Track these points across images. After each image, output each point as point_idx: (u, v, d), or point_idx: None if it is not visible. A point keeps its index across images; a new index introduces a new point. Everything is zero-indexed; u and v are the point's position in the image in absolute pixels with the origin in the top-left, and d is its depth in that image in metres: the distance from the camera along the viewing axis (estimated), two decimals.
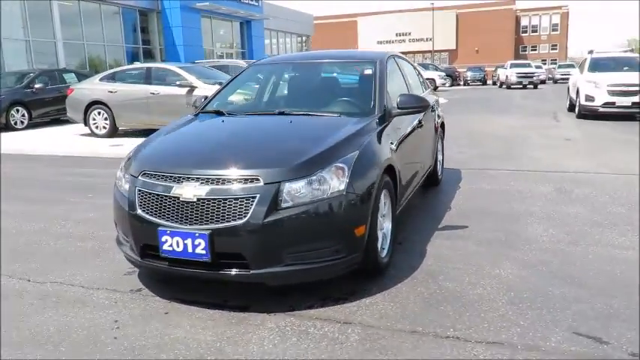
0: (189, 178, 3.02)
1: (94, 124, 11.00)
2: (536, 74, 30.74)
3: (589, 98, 12.79)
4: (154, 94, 10.43)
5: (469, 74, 44.43)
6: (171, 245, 2.97)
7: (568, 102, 15.30)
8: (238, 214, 2.90)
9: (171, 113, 10.19)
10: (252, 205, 2.90)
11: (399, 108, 3.96)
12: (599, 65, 13.82)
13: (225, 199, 2.92)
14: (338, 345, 2.66)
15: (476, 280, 3.41)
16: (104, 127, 10.95)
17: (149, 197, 3.10)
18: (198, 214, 2.94)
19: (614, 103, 12.45)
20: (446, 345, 2.64)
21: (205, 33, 25.25)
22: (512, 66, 32.09)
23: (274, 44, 34.72)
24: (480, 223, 4.62)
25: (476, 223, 4.60)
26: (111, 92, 10.78)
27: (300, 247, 2.96)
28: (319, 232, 2.99)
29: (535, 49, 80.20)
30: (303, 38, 38.73)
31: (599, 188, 5.79)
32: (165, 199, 3.03)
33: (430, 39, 70.61)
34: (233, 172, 3.00)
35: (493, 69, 49.35)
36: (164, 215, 3.02)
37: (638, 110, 12.33)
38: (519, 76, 30.03)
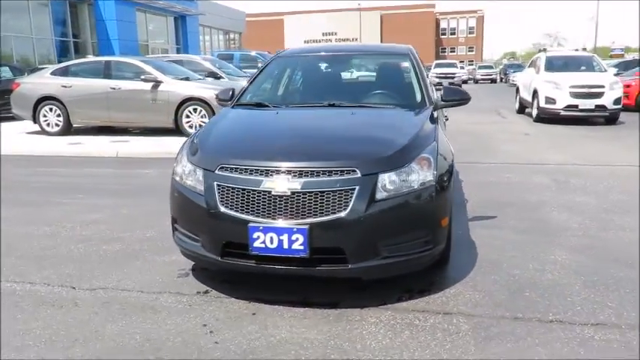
0: (278, 171, 2.88)
1: (45, 121, 10.22)
2: (457, 75, 31.46)
3: (550, 100, 11.81)
4: (114, 89, 9.85)
5: None
6: (263, 242, 2.82)
7: (518, 103, 14.47)
8: (338, 207, 2.81)
9: (135, 110, 9.74)
10: (351, 197, 2.81)
11: (443, 100, 3.99)
12: (554, 64, 12.96)
13: (323, 192, 2.82)
14: (454, 335, 2.64)
15: (540, 267, 3.51)
16: (57, 125, 10.19)
17: (233, 192, 2.92)
18: (293, 208, 2.81)
19: (576, 106, 11.56)
20: (555, 329, 2.70)
21: (140, 27, 24.18)
22: (437, 66, 32.61)
23: (207, 41, 33.90)
24: (504, 213, 4.77)
25: (501, 214, 4.74)
26: (65, 87, 10.05)
27: (395, 240, 2.91)
28: (412, 224, 2.96)
29: (454, 51, 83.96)
30: (233, 35, 38.10)
31: (590, 179, 6.16)
32: (254, 194, 2.87)
33: (356, 39, 71.98)
34: (328, 163, 2.89)
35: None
36: (253, 211, 2.86)
37: (601, 114, 11.73)
38: (439, 76, 29.37)
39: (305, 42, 72.53)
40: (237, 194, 2.91)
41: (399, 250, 2.92)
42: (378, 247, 2.87)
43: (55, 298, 3.15)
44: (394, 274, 3.05)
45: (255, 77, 4.43)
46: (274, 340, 2.64)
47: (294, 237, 2.78)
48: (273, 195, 2.83)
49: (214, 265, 3.08)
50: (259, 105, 4.03)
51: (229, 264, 3.00)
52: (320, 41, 73.52)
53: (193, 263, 3.59)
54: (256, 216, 2.85)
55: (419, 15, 77.12)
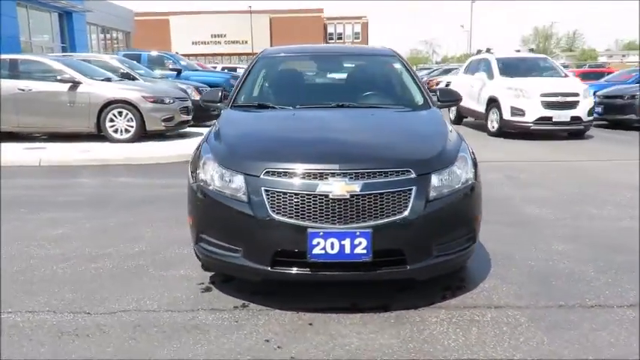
0: (334, 173, 2.77)
1: None
2: None
3: (517, 112, 9.91)
4: (23, 90, 8.86)
5: None
6: (323, 248, 2.70)
7: (454, 113, 12.72)
8: (397, 209, 2.77)
9: (50, 114, 8.89)
10: (409, 198, 2.79)
11: (439, 101, 4.10)
12: (510, 68, 11.02)
13: (382, 194, 2.76)
14: (520, 328, 2.72)
15: (547, 256, 3.73)
16: None
17: (285, 198, 2.76)
18: (353, 211, 2.72)
19: (550, 119, 9.77)
20: (601, 313, 2.88)
21: (21, 23, 21.92)
22: None
23: (94, 40, 31.66)
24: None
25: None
26: None
27: (445, 238, 2.93)
28: (458, 222, 3.01)
29: None
30: (116, 34, 35.94)
31: (536, 173, 6.69)
32: (309, 199, 2.74)
33: (246, 41, 71.51)
34: (384, 165, 2.84)
35: None
36: (310, 216, 2.73)
37: (576, 127, 9.98)
38: None
39: (193, 43, 70.61)
40: (290, 199, 2.75)
41: (447, 248, 2.95)
42: (431, 247, 2.88)
43: (73, 327, 2.76)
44: (443, 272, 3.07)
45: (245, 77, 4.21)
46: (351, 348, 2.54)
47: (356, 241, 2.69)
48: (331, 199, 2.72)
49: (261, 275, 2.88)
50: (261, 106, 3.84)
51: (280, 274, 2.82)
52: (209, 43, 72.06)
53: (210, 275, 3.36)
54: (314, 221, 2.72)
55: (308, 19, 78.38)
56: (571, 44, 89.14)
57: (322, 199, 2.73)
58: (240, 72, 19.58)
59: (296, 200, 2.74)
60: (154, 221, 4.63)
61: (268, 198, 2.77)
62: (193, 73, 14.94)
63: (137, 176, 6.61)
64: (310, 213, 2.73)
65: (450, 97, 4.14)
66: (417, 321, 2.80)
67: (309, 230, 2.69)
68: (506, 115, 10.18)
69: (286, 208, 2.75)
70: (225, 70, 21.23)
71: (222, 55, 69.75)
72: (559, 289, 3.19)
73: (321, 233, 2.68)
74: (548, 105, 9.80)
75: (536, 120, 9.85)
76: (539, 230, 4.35)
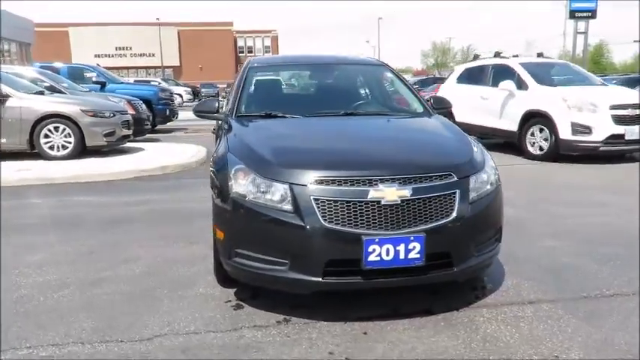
0: (383, 179, 2.77)
1: None
2: None
3: (581, 129, 7.91)
4: None
5: (203, 91, 47.46)
6: (379, 255, 2.68)
7: None
8: (445, 212, 2.82)
9: None
10: (455, 200, 2.85)
11: (434, 108, 4.24)
12: (541, 76, 9.03)
13: (431, 198, 2.80)
14: (565, 319, 2.86)
15: (546, 252, 3.96)
16: None
17: (336, 206, 2.71)
18: (405, 216, 2.74)
19: (622, 136, 7.83)
20: (625, 301, 3.09)
21: None
22: None
23: None
24: None
25: None
26: None
27: (482, 239, 3.02)
28: (491, 223, 3.11)
29: None
30: (12, 46, 33.42)
31: None
32: (361, 205, 2.71)
33: (153, 54, 69.43)
34: (428, 169, 2.88)
35: (225, 85, 52.12)
36: (363, 223, 2.70)
37: None
38: None
39: (96, 56, 67.12)
40: (341, 207, 2.71)
41: (483, 248, 3.04)
42: (472, 248, 2.96)
43: (114, 357, 2.53)
44: (478, 273, 3.16)
45: (242, 87, 4.09)
46: (419, 353, 2.54)
47: (410, 246, 2.71)
48: (383, 205, 2.72)
49: (311, 288, 2.80)
50: (269, 116, 3.75)
51: (332, 284, 2.77)
52: (114, 56, 68.97)
53: (234, 292, 3.22)
54: (367, 228, 2.70)
55: (217, 33, 77.55)
56: (465, 58, 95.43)
57: (374, 205, 2.71)
58: (154, 85, 19.10)
59: (348, 208, 2.71)
60: (140, 241, 4.35)
61: (319, 207, 2.71)
62: (119, 86, 14.24)
63: (95, 195, 6.17)
64: (363, 220, 2.70)
65: (442, 105, 4.27)
66: (466, 322, 2.86)
67: (365, 237, 2.66)
68: (565, 134, 8.03)
69: (338, 216, 2.70)
70: (152, 84, 20.40)
71: (127, 68, 66.88)
72: (574, 282, 3.38)
73: (377, 240, 2.67)
74: (620, 120, 7.84)
75: (606, 139, 7.85)
76: (525, 229, 4.59)
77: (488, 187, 3.08)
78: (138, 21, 70.33)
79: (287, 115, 3.74)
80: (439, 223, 2.78)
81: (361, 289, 2.96)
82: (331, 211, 2.71)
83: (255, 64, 4.43)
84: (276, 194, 2.80)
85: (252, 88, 4.19)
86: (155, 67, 68.86)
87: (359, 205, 2.71)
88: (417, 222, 2.75)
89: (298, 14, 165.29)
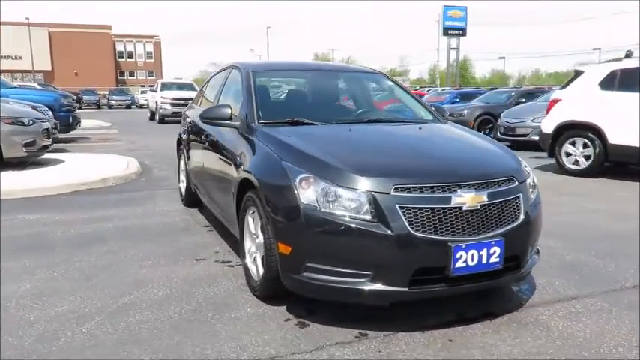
0: (460, 185, 2.77)
1: None
2: None
3: None
4: None
5: (84, 97, 44.48)
6: (465, 261, 2.69)
7: (595, 157, 7.75)
8: (515, 215, 2.90)
9: None
10: (520, 204, 2.95)
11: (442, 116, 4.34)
12: None
13: (503, 202, 2.86)
14: (613, 312, 3.06)
15: (550, 252, 4.15)
16: None
17: (422, 213, 2.66)
18: (484, 221, 2.77)
19: None
20: (633, 292, 3.38)
21: None
22: (166, 87, 21.48)
23: None
24: None
25: None
26: None
27: (534, 241, 3.15)
28: (541, 224, 3.24)
29: (133, 75, 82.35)
30: None
31: None
32: (445, 212, 2.70)
33: (20, 57, 63.53)
34: (496, 174, 2.94)
35: (107, 92, 49.05)
36: (449, 229, 2.69)
37: None
38: (176, 103, 19.64)
39: None
40: (427, 215, 2.68)
41: (534, 251, 3.18)
42: (531, 250, 3.07)
43: None
44: (529, 274, 3.26)
45: (253, 93, 3.87)
46: (516, 353, 2.58)
47: (492, 250, 2.75)
48: (465, 210, 2.73)
49: (395, 298, 2.72)
50: (296, 122, 3.59)
51: (418, 293, 2.71)
52: None
53: (286, 309, 3.04)
54: (453, 235, 2.69)
55: (94, 36, 72.92)
56: None
57: (457, 211, 2.71)
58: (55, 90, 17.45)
59: (433, 215, 2.68)
60: (135, 261, 3.93)
61: (406, 215, 2.65)
62: (12, 90, 12.77)
63: (43, 212, 5.45)
64: (448, 226, 2.69)
65: (444, 114, 4.39)
66: (533, 321, 2.95)
67: (452, 244, 2.65)
68: None
69: (425, 224, 2.66)
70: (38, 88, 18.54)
71: None
72: (594, 277, 3.64)
73: (464, 246, 2.67)
74: None
75: None
76: None
77: (535, 190, 3.21)
78: (3, 20, 63.74)
79: (316, 123, 3.60)
80: (511, 226, 2.85)
81: (444, 296, 2.93)
82: (417, 219, 2.66)
83: (257, 69, 4.21)
84: (354, 203, 2.68)
85: (264, 94, 3.98)
86: (23, 71, 62.88)
87: (443, 212, 2.69)
88: (493, 227, 2.79)
89: (181, 21, 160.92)
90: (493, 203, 2.81)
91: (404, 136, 3.54)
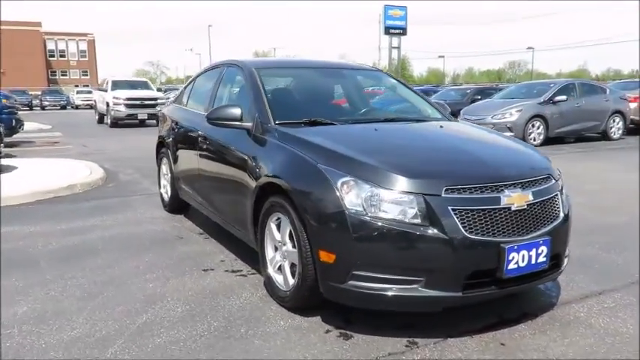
0: (506, 185, 2.71)
1: None
2: (160, 100, 18.59)
3: None
4: None
5: (17, 99, 42.00)
6: (517, 262, 2.62)
7: None
8: (555, 213, 2.87)
9: None
10: (559, 202, 2.93)
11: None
12: None
13: (545, 201, 2.83)
14: None
15: None
16: None
17: (474, 215, 2.58)
18: (531, 220, 2.72)
19: None
20: None
21: None
22: (117, 86, 19.09)
23: None
24: None
25: None
26: None
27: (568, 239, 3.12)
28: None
29: (66, 74, 78.78)
30: None
31: None
32: (496, 213, 2.62)
33: None
34: (536, 173, 2.89)
35: (39, 93, 46.43)
36: (500, 230, 2.62)
37: None
38: (131, 103, 17.99)
39: None
40: (478, 216, 2.59)
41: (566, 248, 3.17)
42: (567, 248, 3.06)
43: None
44: None
45: (264, 93, 3.65)
46: (572, 353, 2.55)
47: (540, 250, 2.70)
48: (513, 210, 2.67)
49: (447, 304, 2.62)
50: (315, 122, 3.42)
51: (470, 297, 2.62)
52: None
53: (322, 320, 2.89)
54: (504, 236, 2.62)
55: (22, 33, 69.04)
56: None
57: (506, 211, 2.65)
58: None
59: (484, 216, 2.60)
60: (136, 275, 3.64)
61: (459, 217, 2.55)
62: None
63: (13, 224, 4.97)
64: (499, 227, 2.62)
65: (448, 111, 4.33)
66: (573, 319, 2.93)
67: (505, 245, 2.58)
68: None
69: (477, 226, 2.58)
70: None
71: None
72: (608, 271, 3.68)
73: (515, 247, 2.61)
74: None
75: None
76: None
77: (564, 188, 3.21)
78: None
79: (336, 122, 3.45)
80: (554, 225, 2.82)
81: (493, 299, 2.86)
82: (470, 221, 2.57)
83: (261, 67, 4.01)
84: (403, 206, 2.56)
85: (274, 93, 3.77)
86: None
87: (494, 213, 2.62)
88: (539, 226, 2.75)
89: (117, 18, 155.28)
90: (537, 202, 2.77)
91: (433, 134, 3.44)
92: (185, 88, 5.40)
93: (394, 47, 55.43)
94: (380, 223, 2.55)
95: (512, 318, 2.94)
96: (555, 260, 2.88)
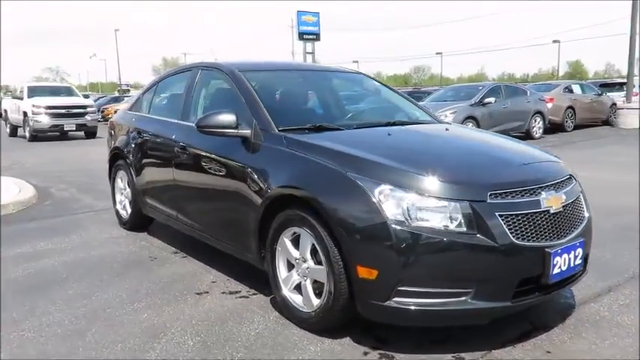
0: (542, 187, 2.63)
1: None
2: (90, 109, 16.79)
3: None
4: None
5: None
6: (560, 266, 2.56)
7: None
8: (583, 214, 2.85)
9: None
10: (583, 202, 2.91)
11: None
12: None
13: (574, 201, 2.80)
14: None
15: None
16: None
17: (518, 220, 2.47)
18: (566, 222, 2.67)
19: None
20: None
21: None
22: (35, 93, 16.67)
23: None
24: None
25: None
26: None
27: None
28: None
29: None
30: None
31: None
32: (537, 216, 2.54)
33: None
34: (560, 173, 2.85)
35: None
36: (543, 235, 2.54)
37: None
38: (54, 112, 15.81)
39: None
40: (523, 221, 2.49)
41: None
42: None
43: None
44: None
45: (257, 97, 3.37)
46: (619, 355, 2.51)
47: (577, 252, 2.66)
48: (552, 213, 2.60)
49: (496, 314, 2.51)
50: (320, 128, 3.19)
51: (519, 306, 2.52)
52: None
53: (348, 340, 2.69)
54: (546, 240, 2.55)
55: None
56: None
57: (546, 214, 2.58)
58: None
59: (528, 220, 2.51)
60: (124, 304, 3.22)
61: (506, 223, 2.44)
62: None
63: None
64: (542, 231, 2.54)
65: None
66: (600, 319, 2.91)
67: (550, 250, 2.51)
68: None
69: (523, 231, 2.48)
70: None
71: None
72: (607, 267, 3.70)
73: (559, 251, 2.54)
74: None
75: None
76: None
77: None
78: None
79: (342, 128, 3.24)
80: (583, 225, 2.80)
81: (535, 306, 2.76)
82: (516, 226, 2.47)
83: (245, 69, 3.69)
84: (448, 214, 2.41)
85: (267, 97, 3.48)
86: None
87: (536, 216, 2.54)
88: (573, 228, 2.71)
89: (8, 19, 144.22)
90: (569, 203, 2.73)
91: (451, 138, 3.34)
92: (143, 94, 4.94)
93: (308, 53, 55.90)
94: (425, 233, 2.38)
95: (542, 322, 2.87)
96: (585, 261, 2.86)
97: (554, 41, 61.06)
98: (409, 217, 2.40)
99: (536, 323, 2.87)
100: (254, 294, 3.34)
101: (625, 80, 18.90)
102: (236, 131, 3.19)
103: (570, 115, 15.28)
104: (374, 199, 2.44)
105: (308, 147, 2.88)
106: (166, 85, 4.62)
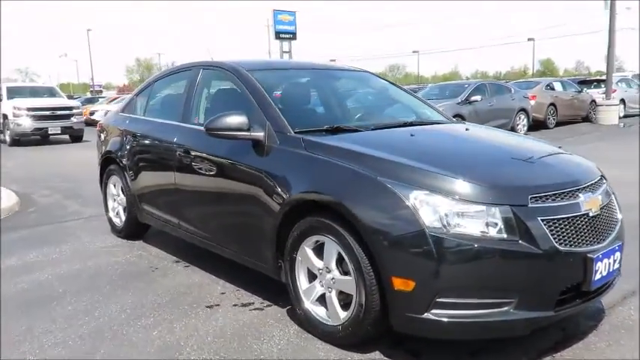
0: (579, 189, 2.51)
1: None
2: (76, 111, 15.75)
3: None
4: None
5: None
6: (601, 272, 2.45)
7: None
8: (617, 215, 2.74)
9: None
10: (616, 203, 2.81)
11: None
12: None
13: (609, 203, 2.70)
14: None
15: None
16: None
17: (559, 224, 2.35)
18: (604, 225, 2.56)
19: None
20: None
21: None
22: (14, 93, 15.80)
23: None
24: None
25: None
26: None
27: None
28: None
29: None
30: None
31: None
32: (578, 220, 2.42)
33: None
34: (593, 174, 2.74)
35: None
36: (585, 240, 2.42)
37: None
38: (37, 115, 14.73)
39: None
40: (565, 226, 2.37)
41: None
42: None
43: None
44: None
45: (268, 97, 3.19)
46: None
47: (616, 256, 2.56)
48: (591, 216, 2.49)
49: (538, 324, 2.37)
50: (337, 130, 3.03)
51: (559, 316, 2.39)
52: None
53: (375, 354, 2.53)
54: (588, 244, 2.43)
55: None
56: None
57: (585, 218, 2.46)
58: None
59: (569, 225, 2.39)
60: (130, 319, 3.01)
61: (549, 228, 2.31)
62: None
63: None
64: (582, 236, 2.42)
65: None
66: (632, 324, 2.82)
67: (592, 255, 2.39)
68: None
69: (566, 236, 2.36)
70: None
71: None
72: (633, 265, 3.64)
73: (600, 256, 2.43)
74: None
75: None
76: None
77: None
78: None
79: (360, 129, 3.08)
80: (617, 228, 2.69)
81: (575, 315, 2.65)
82: (558, 232, 2.34)
83: (252, 68, 3.50)
84: (487, 219, 2.27)
85: (277, 98, 3.31)
86: None
87: (577, 220, 2.42)
88: (609, 231, 2.60)
89: None
90: (605, 205, 2.62)
91: (478, 138, 3.21)
92: (137, 95, 4.70)
93: (285, 52, 55.58)
94: (465, 241, 2.23)
95: (575, 329, 2.77)
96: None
97: (529, 39, 62.03)
98: (447, 223, 2.25)
99: (568, 330, 2.76)
100: (268, 305, 3.16)
101: (603, 77, 19.14)
102: (248, 134, 3.01)
103: (552, 112, 15.40)
104: (409, 205, 2.29)
105: (329, 149, 2.71)
106: (163, 86, 4.40)
